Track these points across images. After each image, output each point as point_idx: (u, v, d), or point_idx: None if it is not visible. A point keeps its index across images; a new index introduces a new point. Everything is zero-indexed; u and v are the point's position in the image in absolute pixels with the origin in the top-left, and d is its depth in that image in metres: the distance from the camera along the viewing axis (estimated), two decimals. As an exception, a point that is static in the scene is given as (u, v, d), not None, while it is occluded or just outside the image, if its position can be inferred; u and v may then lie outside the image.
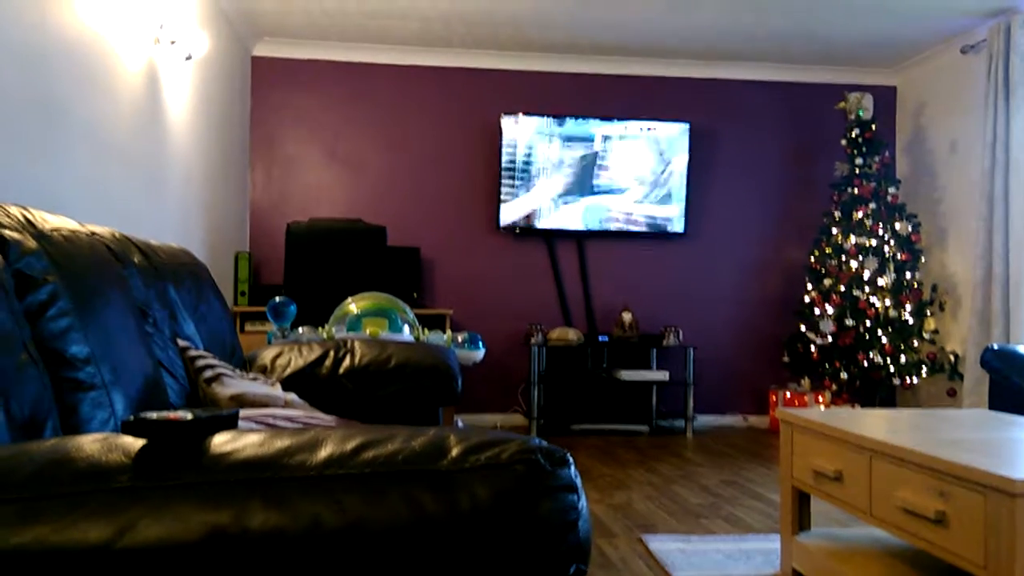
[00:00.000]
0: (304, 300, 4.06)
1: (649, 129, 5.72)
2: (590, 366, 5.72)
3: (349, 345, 2.55)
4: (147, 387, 1.61)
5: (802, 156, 6.02)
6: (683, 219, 5.76)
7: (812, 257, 5.63)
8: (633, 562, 2.70)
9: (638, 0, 4.74)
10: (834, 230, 5.47)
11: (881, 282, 5.22)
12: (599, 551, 2.82)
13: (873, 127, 5.45)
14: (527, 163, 5.64)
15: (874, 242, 5.28)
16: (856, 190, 5.40)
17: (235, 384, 1.96)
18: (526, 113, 5.64)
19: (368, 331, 3.07)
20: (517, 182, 5.64)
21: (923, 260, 5.48)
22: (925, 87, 5.78)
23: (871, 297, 5.22)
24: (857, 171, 5.43)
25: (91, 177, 2.98)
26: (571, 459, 0.86)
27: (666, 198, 5.74)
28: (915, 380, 5.24)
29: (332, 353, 2.51)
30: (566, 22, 5.11)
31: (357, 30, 5.33)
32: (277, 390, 2.14)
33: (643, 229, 5.76)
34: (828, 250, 5.47)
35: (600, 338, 5.57)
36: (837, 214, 5.50)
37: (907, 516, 1.89)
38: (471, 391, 5.63)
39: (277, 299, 3.28)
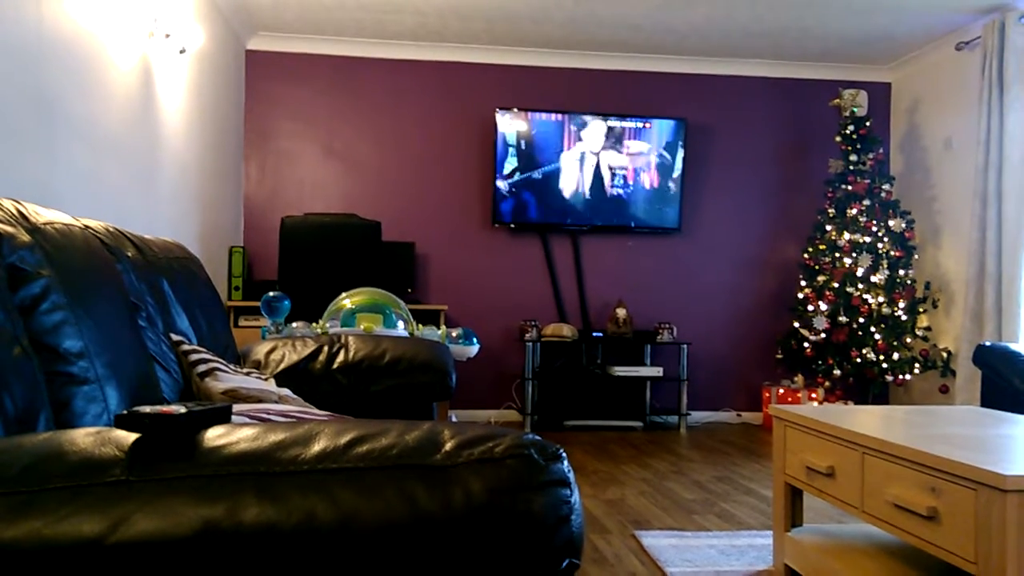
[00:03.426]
0: (298, 295, 4.05)
1: (644, 125, 5.72)
2: (584, 362, 5.73)
3: (343, 340, 2.55)
4: (140, 381, 1.61)
5: (796, 152, 6.03)
6: (678, 215, 5.77)
7: (806, 254, 5.64)
8: (626, 557, 2.71)
9: (633, -4, 4.74)
10: (828, 227, 5.48)
11: (874, 279, 5.24)
12: (592, 546, 2.82)
13: (867, 124, 5.47)
14: (521, 158, 5.64)
15: (868, 239, 5.29)
16: (850, 187, 5.41)
17: (229, 379, 1.96)
18: (521, 108, 5.64)
19: (362, 326, 3.07)
20: (512, 177, 5.63)
21: (916, 257, 5.50)
22: (920, 84, 5.79)
23: (864, 294, 5.24)
24: (851, 168, 5.45)
25: (85, 171, 2.97)
26: (564, 454, 0.86)
27: (661, 194, 5.75)
28: (908, 377, 5.26)
29: (326, 348, 2.51)
30: (561, 17, 5.11)
31: (352, 24, 5.32)
32: (271, 385, 2.13)
33: (638, 225, 5.76)
34: (822, 247, 5.49)
35: (594, 334, 5.58)
36: (831, 211, 5.51)
37: (899, 512, 1.90)
38: (465, 387, 5.64)
39: (271, 294, 3.28)
